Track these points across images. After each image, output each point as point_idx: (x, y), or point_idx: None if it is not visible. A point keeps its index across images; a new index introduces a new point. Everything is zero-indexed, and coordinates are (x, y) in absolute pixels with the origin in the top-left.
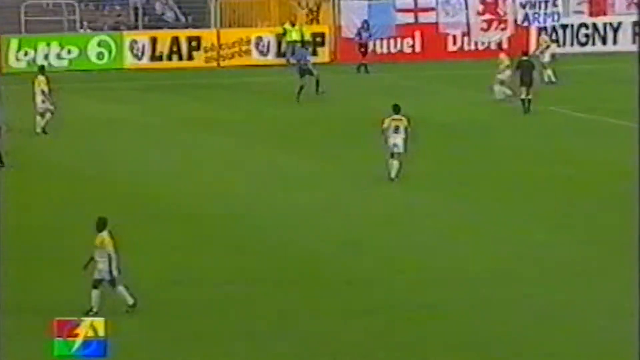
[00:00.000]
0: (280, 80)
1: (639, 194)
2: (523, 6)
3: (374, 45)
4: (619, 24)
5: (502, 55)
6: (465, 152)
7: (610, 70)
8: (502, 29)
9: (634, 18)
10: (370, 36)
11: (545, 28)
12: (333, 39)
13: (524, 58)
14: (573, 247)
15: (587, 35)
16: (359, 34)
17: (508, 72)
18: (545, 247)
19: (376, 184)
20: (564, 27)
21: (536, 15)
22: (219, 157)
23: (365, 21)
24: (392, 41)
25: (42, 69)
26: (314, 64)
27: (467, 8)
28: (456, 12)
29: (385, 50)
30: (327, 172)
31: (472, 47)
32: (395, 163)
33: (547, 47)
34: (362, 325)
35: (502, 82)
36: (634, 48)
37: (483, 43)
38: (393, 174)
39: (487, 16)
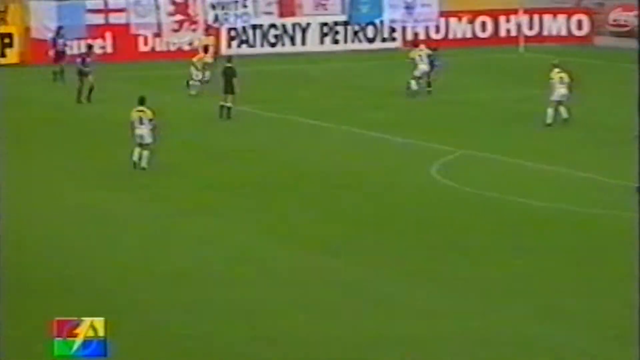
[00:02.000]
0: None
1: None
2: (213, 7)
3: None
4: (307, 24)
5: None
6: (159, 152)
7: (298, 70)
8: (193, 30)
9: (322, 19)
10: (65, 43)
11: (235, 29)
12: (22, 40)
13: (228, 65)
14: (271, 244)
15: (276, 36)
16: (54, 40)
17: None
18: (242, 248)
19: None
20: (254, 27)
21: (226, 17)
22: None
23: (60, 27)
24: (83, 42)
25: None
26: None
27: (158, 9)
28: (147, 12)
29: (76, 51)
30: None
31: (164, 47)
32: (145, 153)
33: (210, 46)
34: None
35: None
36: (321, 48)
37: (174, 44)
38: (144, 163)
39: (178, 17)
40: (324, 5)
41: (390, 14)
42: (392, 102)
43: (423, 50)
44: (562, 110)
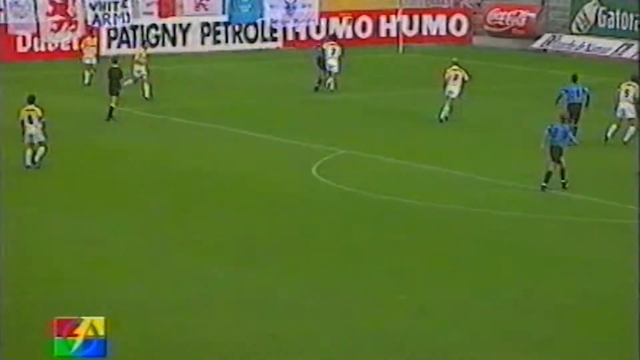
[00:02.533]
0: None
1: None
2: (93, 7)
3: None
4: (188, 25)
5: None
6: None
7: (179, 70)
8: (73, 30)
9: (203, 19)
10: None
11: (115, 29)
12: None
13: (114, 65)
14: (151, 246)
15: (157, 37)
16: None
17: None
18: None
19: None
20: (134, 28)
21: (106, 17)
22: None
23: None
24: None
25: None
26: None
27: (36, 9)
28: (25, 12)
29: None
30: None
31: (43, 48)
32: (41, 149)
33: (92, 46)
34: None
35: None
36: (202, 49)
37: (53, 44)
38: (37, 158)
39: (57, 17)
40: (204, 5)
41: (271, 14)
42: (274, 102)
43: (336, 47)
44: (445, 109)
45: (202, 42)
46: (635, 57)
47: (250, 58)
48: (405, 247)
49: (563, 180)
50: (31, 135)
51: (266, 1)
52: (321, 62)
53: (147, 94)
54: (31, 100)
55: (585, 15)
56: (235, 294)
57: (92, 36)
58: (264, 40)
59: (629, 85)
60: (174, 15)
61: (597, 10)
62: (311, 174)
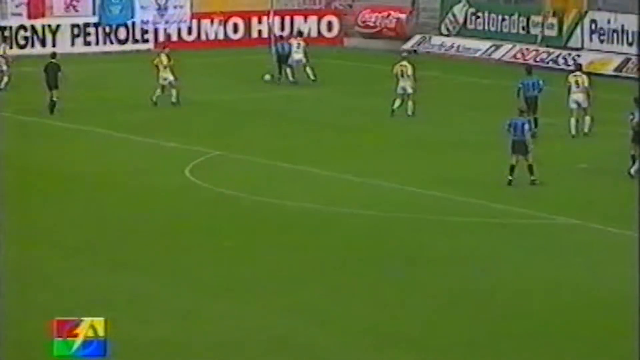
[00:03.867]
0: None
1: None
2: None
3: None
4: (58, 26)
5: None
6: None
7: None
8: None
9: (73, 20)
10: None
11: None
12: None
13: (53, 60)
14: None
15: (26, 38)
16: None
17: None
18: None
19: None
20: (3, 29)
21: None
22: None
23: None
24: None
25: None
26: None
27: None
28: None
29: None
30: None
31: None
32: None
33: (2, 54)
34: None
35: None
36: (73, 50)
37: None
38: None
39: None
40: (74, 6)
41: (142, 16)
42: (145, 104)
43: (301, 42)
44: (409, 105)
45: (72, 44)
46: (504, 59)
47: (121, 59)
48: (277, 247)
49: (532, 177)
50: None
51: (137, 2)
52: (282, 57)
53: (174, 99)
54: None
55: (454, 16)
56: (107, 297)
57: (5, 44)
58: (135, 41)
59: (576, 76)
60: (43, 16)
61: (466, 12)
62: (184, 175)
